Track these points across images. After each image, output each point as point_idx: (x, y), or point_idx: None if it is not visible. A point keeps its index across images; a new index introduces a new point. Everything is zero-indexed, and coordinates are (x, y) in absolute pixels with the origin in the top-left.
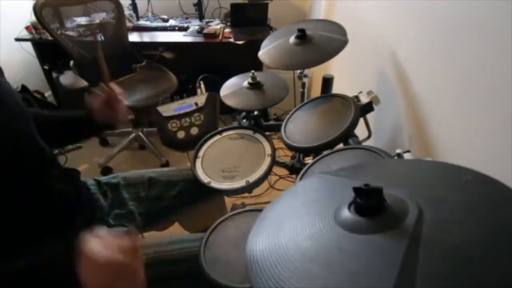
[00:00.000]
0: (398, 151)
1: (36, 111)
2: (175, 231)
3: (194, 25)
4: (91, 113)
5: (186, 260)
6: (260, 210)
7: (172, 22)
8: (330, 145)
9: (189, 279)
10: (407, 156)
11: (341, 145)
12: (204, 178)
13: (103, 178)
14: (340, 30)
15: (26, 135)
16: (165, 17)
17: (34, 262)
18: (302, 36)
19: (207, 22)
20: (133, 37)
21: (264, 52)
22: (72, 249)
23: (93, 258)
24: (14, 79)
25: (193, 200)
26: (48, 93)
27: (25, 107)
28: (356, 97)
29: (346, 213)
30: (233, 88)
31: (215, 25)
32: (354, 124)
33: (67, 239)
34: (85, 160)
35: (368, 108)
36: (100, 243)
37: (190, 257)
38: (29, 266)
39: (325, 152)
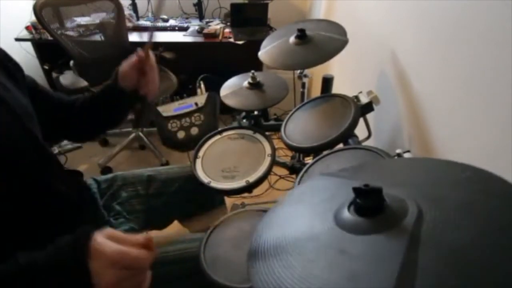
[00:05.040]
0: (398, 151)
1: (71, 99)
2: (175, 230)
3: (194, 25)
4: (117, 77)
5: (187, 260)
6: (260, 210)
7: (172, 22)
8: (330, 145)
9: (189, 279)
10: (407, 156)
11: (341, 145)
12: (204, 178)
13: (102, 178)
14: (340, 30)
15: (27, 136)
16: (165, 17)
17: (42, 259)
18: (302, 36)
19: (207, 22)
20: (133, 37)
21: (264, 52)
22: (82, 245)
23: (103, 253)
24: None
25: (193, 197)
26: None
27: (30, 108)
28: (356, 97)
29: (346, 214)
30: (233, 88)
31: (215, 25)
32: (354, 124)
33: (75, 236)
34: (85, 160)
35: (368, 108)
36: (109, 238)
37: (190, 257)
38: (36, 263)
39: (325, 152)
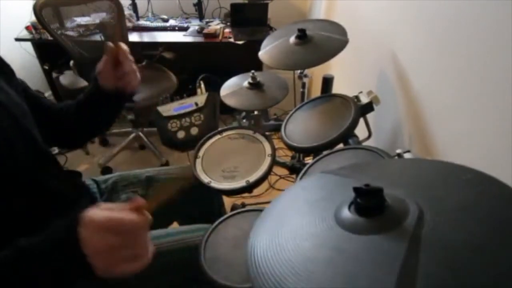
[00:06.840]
0: (398, 151)
1: (60, 106)
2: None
3: (194, 25)
4: (97, 79)
5: (184, 250)
6: (260, 210)
7: (172, 22)
8: (330, 145)
9: (188, 269)
10: (407, 156)
11: (341, 145)
12: (204, 178)
13: (100, 178)
14: (340, 30)
15: (25, 136)
16: (165, 17)
17: (38, 241)
18: (302, 36)
19: (207, 22)
20: (133, 37)
21: (264, 52)
22: (74, 218)
23: (92, 220)
24: None
25: (193, 197)
26: (48, 93)
27: (26, 108)
28: (356, 97)
29: (346, 213)
30: (233, 88)
31: (215, 25)
32: (354, 124)
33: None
34: (85, 160)
35: (368, 108)
36: (100, 208)
37: (188, 247)
38: (31, 246)
39: (325, 152)
